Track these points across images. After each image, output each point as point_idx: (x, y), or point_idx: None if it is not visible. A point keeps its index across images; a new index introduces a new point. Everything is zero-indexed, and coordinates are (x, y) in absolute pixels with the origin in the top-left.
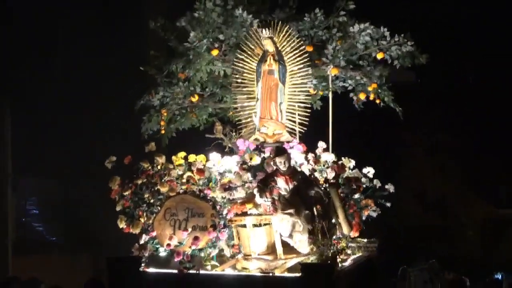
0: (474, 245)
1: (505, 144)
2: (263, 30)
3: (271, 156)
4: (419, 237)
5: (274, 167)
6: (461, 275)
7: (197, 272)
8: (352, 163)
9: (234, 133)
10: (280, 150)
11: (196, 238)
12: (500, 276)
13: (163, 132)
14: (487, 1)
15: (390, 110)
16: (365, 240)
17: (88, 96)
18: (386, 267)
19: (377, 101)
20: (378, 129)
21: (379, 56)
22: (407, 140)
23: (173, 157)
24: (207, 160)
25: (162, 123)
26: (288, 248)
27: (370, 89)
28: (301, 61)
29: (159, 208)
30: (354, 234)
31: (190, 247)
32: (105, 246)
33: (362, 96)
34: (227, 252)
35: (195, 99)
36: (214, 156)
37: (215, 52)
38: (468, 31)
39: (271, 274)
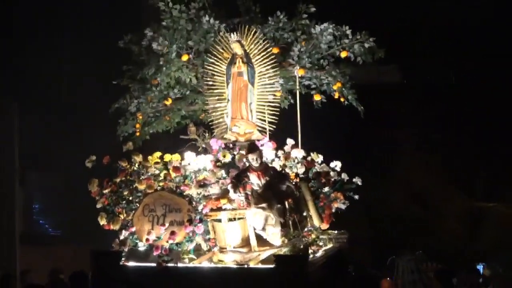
0: (455, 236)
1: (483, 142)
2: (231, 34)
3: (244, 153)
4: (404, 229)
5: (247, 164)
6: (444, 265)
7: (175, 265)
8: (320, 158)
9: (207, 134)
10: (252, 147)
11: (173, 233)
12: (481, 266)
13: (138, 134)
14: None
15: (374, 108)
16: (336, 232)
17: (85, 97)
18: (374, 257)
19: (342, 100)
20: (358, 127)
21: (343, 54)
22: (393, 137)
23: (149, 157)
24: (182, 159)
25: (137, 126)
26: (261, 241)
27: (335, 88)
28: (268, 63)
29: (137, 204)
30: (325, 226)
31: (167, 241)
32: (105, 239)
33: (317, 97)
34: (204, 246)
35: (168, 102)
36: (189, 155)
37: (185, 57)
38: (451, 34)
39: (246, 266)
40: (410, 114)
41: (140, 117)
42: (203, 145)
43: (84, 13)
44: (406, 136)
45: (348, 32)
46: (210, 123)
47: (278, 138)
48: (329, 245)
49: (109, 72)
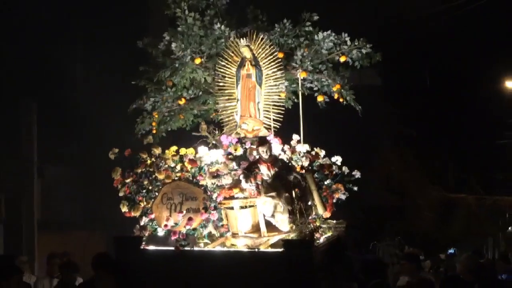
0: (428, 224)
1: (454, 138)
2: (241, 39)
3: (255, 146)
4: (383, 216)
5: (257, 156)
6: (418, 250)
7: (191, 249)
8: (323, 152)
9: (217, 131)
10: (262, 141)
11: (190, 219)
12: (453, 251)
13: (154, 131)
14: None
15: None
16: (335, 221)
17: (101, 95)
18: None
19: (341, 100)
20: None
21: (342, 59)
22: (375, 133)
23: (166, 151)
24: (196, 153)
25: (154, 124)
26: (271, 227)
27: (334, 89)
28: (274, 66)
29: (156, 193)
30: (328, 214)
31: (184, 227)
32: (117, 225)
33: (320, 98)
34: (216, 233)
35: (182, 102)
36: (202, 149)
37: (198, 61)
38: (425, 41)
39: (256, 250)
40: (388, 113)
41: (156, 116)
42: (214, 141)
43: (101, 18)
44: (384, 132)
45: (347, 39)
46: (220, 121)
47: (283, 135)
48: (329, 233)
49: (127, 73)
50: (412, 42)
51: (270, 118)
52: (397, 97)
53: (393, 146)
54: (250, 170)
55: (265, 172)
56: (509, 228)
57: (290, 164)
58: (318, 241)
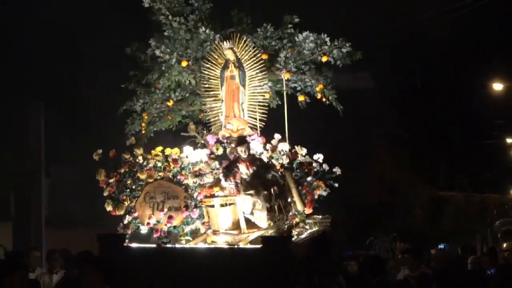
0: (420, 220)
1: (445, 139)
2: (225, 42)
3: (234, 145)
4: (377, 213)
5: (236, 155)
6: (411, 244)
7: (173, 246)
8: (304, 150)
9: (205, 131)
10: (241, 141)
11: (171, 217)
12: (443, 246)
13: (143, 132)
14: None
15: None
16: (320, 216)
17: (104, 98)
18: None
19: (324, 100)
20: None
21: (324, 59)
22: (369, 133)
23: (152, 151)
24: (181, 152)
25: (143, 124)
26: (250, 224)
27: (317, 89)
28: (258, 67)
29: (140, 192)
30: (308, 210)
31: (166, 224)
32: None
33: (301, 98)
34: (202, 229)
35: (170, 103)
36: (187, 149)
37: (184, 63)
38: (417, 48)
39: (236, 246)
40: (381, 115)
41: (146, 117)
42: (202, 141)
43: (100, 26)
44: (378, 133)
45: (327, 39)
46: (207, 122)
47: (268, 134)
48: (314, 228)
49: (119, 77)
50: (405, 47)
51: (255, 118)
52: (391, 99)
53: (387, 146)
54: (230, 169)
55: (244, 171)
56: (496, 223)
57: (269, 162)
58: (298, 237)
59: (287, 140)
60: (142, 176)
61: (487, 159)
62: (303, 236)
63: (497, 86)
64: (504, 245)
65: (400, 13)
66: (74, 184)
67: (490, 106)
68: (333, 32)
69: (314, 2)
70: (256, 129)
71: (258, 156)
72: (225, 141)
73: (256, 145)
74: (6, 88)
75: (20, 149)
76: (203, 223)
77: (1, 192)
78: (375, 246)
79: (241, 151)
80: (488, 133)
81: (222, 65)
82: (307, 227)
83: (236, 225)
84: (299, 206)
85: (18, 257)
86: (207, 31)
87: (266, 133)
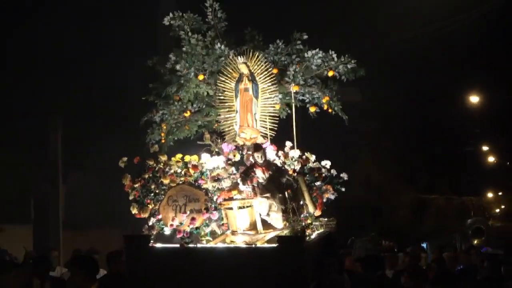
0: (403, 221)
1: (426, 147)
2: (239, 57)
3: (250, 152)
4: (363, 215)
5: (253, 161)
6: (394, 243)
7: (195, 245)
8: (313, 157)
9: (219, 140)
10: (257, 147)
11: (193, 219)
12: (424, 245)
13: (163, 141)
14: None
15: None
16: (326, 219)
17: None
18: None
19: (330, 110)
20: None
21: (330, 73)
22: (357, 142)
23: (172, 158)
24: (199, 159)
25: (162, 134)
26: (266, 225)
27: (323, 101)
28: (269, 81)
29: (163, 196)
30: (318, 212)
31: (188, 226)
32: (132, 224)
33: (313, 109)
34: (218, 231)
35: (187, 114)
36: (205, 156)
37: (201, 77)
38: (401, 63)
39: (253, 246)
40: (367, 126)
41: (164, 127)
42: (216, 149)
43: (115, 41)
44: (365, 142)
45: (334, 56)
46: (222, 131)
47: (278, 142)
48: (321, 230)
49: (138, 89)
50: (390, 64)
51: (266, 127)
52: (376, 111)
53: (372, 153)
54: (247, 174)
55: (260, 175)
56: (468, 221)
57: (283, 167)
58: (310, 237)
59: (295, 148)
60: (165, 181)
61: (465, 165)
62: (312, 236)
63: (474, 99)
64: (475, 241)
65: (386, 33)
66: (89, 189)
67: (467, 117)
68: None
69: (310, 21)
70: (267, 138)
71: (273, 162)
72: (240, 148)
73: (270, 152)
74: (28, 103)
75: (40, 158)
76: (221, 225)
77: (22, 197)
78: (356, 245)
79: (258, 157)
80: (465, 141)
81: (237, 78)
82: (314, 228)
83: (253, 226)
84: (311, 208)
85: (43, 258)
86: (223, 47)
87: (276, 141)
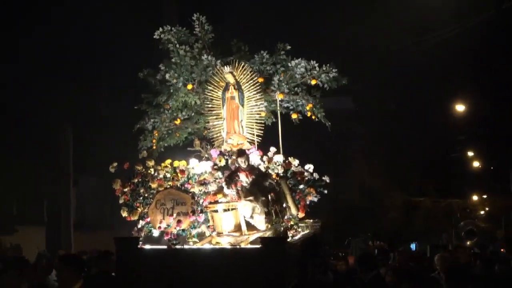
0: (394, 222)
1: (416, 152)
2: (225, 67)
3: (234, 157)
4: (358, 216)
5: (237, 165)
6: (385, 243)
7: (182, 247)
8: (296, 161)
9: (208, 146)
10: (240, 153)
11: (179, 221)
12: (414, 245)
13: (154, 147)
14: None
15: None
16: (311, 220)
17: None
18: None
19: (313, 117)
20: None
21: (313, 82)
22: (350, 148)
23: (162, 163)
24: (187, 164)
25: (154, 141)
26: (250, 226)
27: (307, 108)
28: (255, 89)
29: (151, 200)
30: (301, 214)
31: (175, 228)
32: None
33: (295, 116)
34: (207, 232)
35: (177, 122)
36: (193, 161)
37: (189, 86)
38: (392, 72)
39: (238, 247)
40: (361, 131)
41: (156, 134)
42: (206, 155)
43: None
44: (358, 147)
45: (316, 65)
46: (211, 138)
47: (264, 147)
48: (306, 231)
49: (132, 99)
50: (381, 73)
51: (253, 134)
52: (369, 119)
53: (365, 159)
54: (231, 178)
55: (244, 179)
56: (461, 223)
57: (266, 172)
58: (292, 238)
59: (281, 153)
60: (154, 185)
61: (451, 170)
62: (296, 237)
63: (460, 108)
64: (468, 243)
65: (378, 44)
66: (98, 193)
67: (454, 124)
68: (319, 57)
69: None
70: (254, 143)
71: (256, 166)
72: (227, 154)
73: (254, 157)
74: (40, 111)
75: (52, 164)
76: (208, 227)
77: (35, 200)
78: (352, 245)
79: (241, 161)
80: (452, 148)
81: (223, 87)
82: (299, 229)
83: (237, 228)
84: (293, 210)
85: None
86: (209, 57)
87: (263, 147)
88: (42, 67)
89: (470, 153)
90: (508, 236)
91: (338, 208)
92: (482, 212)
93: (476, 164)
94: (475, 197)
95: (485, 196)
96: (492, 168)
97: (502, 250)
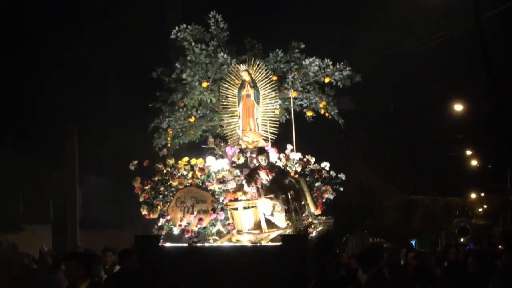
0: (394, 220)
1: (413, 152)
2: (241, 65)
3: (255, 155)
4: (358, 215)
5: (257, 163)
6: (385, 240)
7: (202, 245)
8: (313, 159)
9: (222, 143)
10: (261, 150)
11: (200, 219)
12: (413, 242)
13: (169, 145)
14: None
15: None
16: (324, 217)
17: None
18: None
19: (326, 115)
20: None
21: (326, 80)
22: (350, 149)
23: (179, 161)
24: (205, 162)
25: (168, 139)
26: (270, 224)
27: (321, 106)
28: (270, 87)
29: (171, 198)
30: (318, 211)
31: (196, 226)
32: (144, 225)
33: (309, 113)
34: (224, 230)
35: (192, 120)
36: (210, 159)
37: (205, 84)
38: (390, 74)
39: (258, 244)
40: (360, 133)
41: (171, 132)
42: (220, 152)
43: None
44: (358, 148)
45: (330, 63)
46: (225, 135)
47: (278, 145)
48: (320, 228)
49: (147, 97)
50: (380, 75)
51: (267, 131)
52: (368, 119)
53: (365, 159)
54: (252, 176)
55: (264, 177)
56: (454, 221)
57: (285, 169)
58: (311, 235)
59: (294, 150)
60: (174, 183)
61: (450, 168)
62: (313, 234)
63: (458, 107)
64: (461, 240)
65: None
66: (103, 192)
67: (452, 124)
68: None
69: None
70: (268, 141)
71: (276, 164)
72: (245, 152)
73: (272, 155)
74: (47, 112)
75: (58, 164)
76: (226, 225)
77: (42, 199)
78: (349, 242)
79: (261, 159)
80: (450, 147)
81: (239, 85)
82: (313, 226)
83: (257, 225)
84: (312, 208)
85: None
86: (225, 55)
87: (276, 144)
88: (47, 67)
89: (468, 152)
90: (505, 233)
91: (339, 207)
92: (480, 210)
93: (474, 162)
94: (473, 195)
95: (483, 194)
96: (490, 166)
97: (499, 246)
